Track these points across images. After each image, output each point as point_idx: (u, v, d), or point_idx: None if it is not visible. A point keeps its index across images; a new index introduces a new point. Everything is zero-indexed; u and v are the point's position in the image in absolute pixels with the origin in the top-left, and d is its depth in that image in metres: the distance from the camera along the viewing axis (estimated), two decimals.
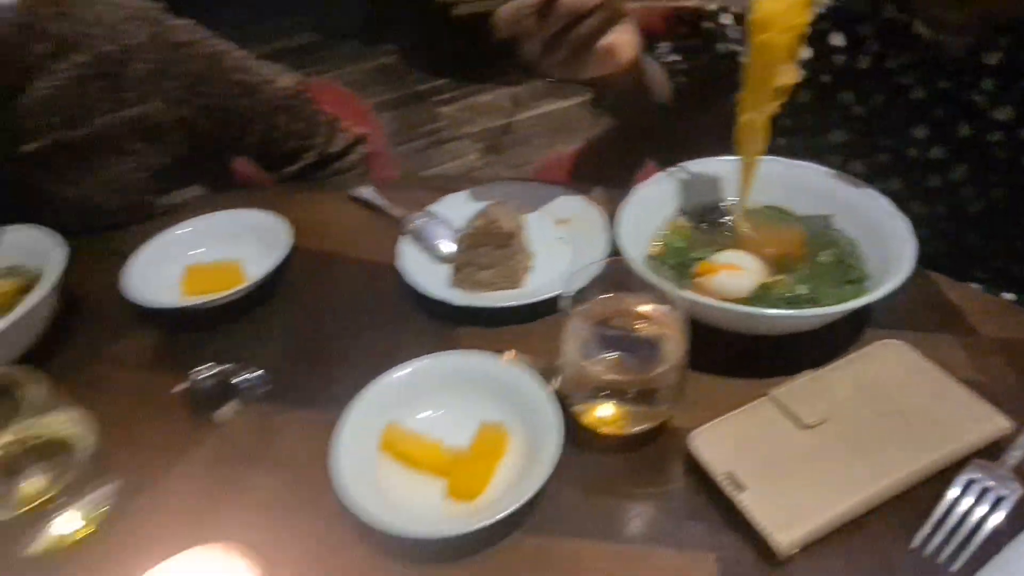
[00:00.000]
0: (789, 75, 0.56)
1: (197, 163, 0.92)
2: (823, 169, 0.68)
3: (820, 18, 0.72)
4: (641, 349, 0.52)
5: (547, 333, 0.64)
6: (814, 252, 0.64)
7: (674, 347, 0.51)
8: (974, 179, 0.69)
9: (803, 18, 0.55)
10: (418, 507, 0.51)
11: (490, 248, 0.66)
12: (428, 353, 0.60)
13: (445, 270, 0.72)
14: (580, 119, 2.95)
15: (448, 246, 0.74)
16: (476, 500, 0.51)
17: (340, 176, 1.00)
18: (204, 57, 0.85)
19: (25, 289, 0.73)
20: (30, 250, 0.74)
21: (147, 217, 0.86)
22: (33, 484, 0.52)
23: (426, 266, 0.73)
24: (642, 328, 0.53)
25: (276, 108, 0.92)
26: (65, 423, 0.52)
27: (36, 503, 0.51)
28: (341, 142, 1.00)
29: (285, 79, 0.94)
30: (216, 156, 0.96)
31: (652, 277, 0.54)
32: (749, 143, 0.62)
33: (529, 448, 0.53)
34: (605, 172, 0.85)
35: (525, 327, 0.66)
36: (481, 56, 3.44)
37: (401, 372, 0.57)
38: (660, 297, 0.53)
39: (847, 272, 0.61)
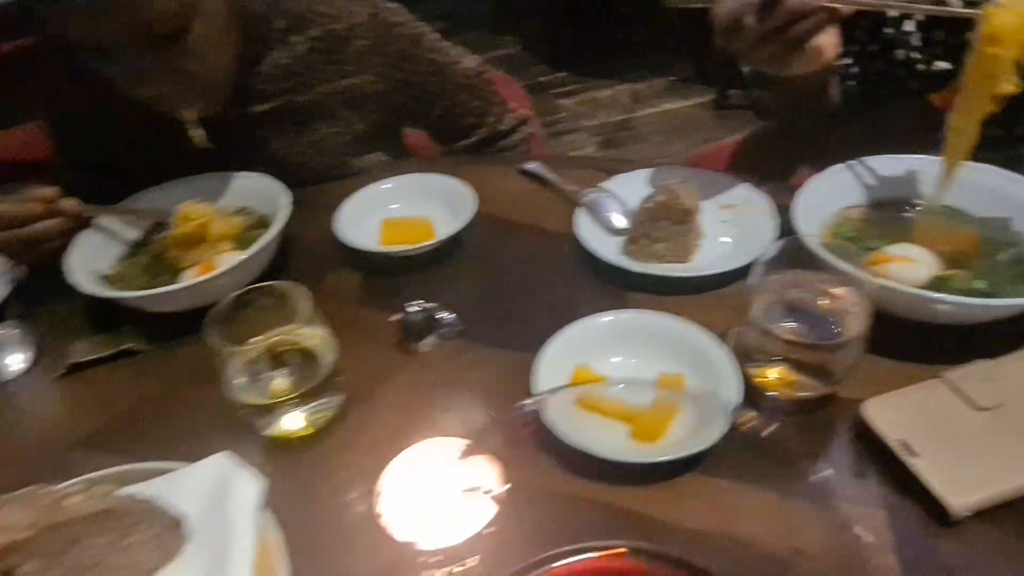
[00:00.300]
0: (1009, 85, 0.59)
1: (384, 132, 1.03)
2: (1003, 172, 0.70)
3: None
4: (821, 322, 0.57)
5: (712, 303, 0.70)
6: (992, 252, 0.66)
7: (854, 323, 0.55)
8: None
9: None
10: (606, 440, 0.58)
11: (668, 223, 0.72)
12: (603, 311, 0.67)
13: (616, 241, 0.79)
14: (699, 119, 2.95)
15: (620, 220, 0.81)
16: (656, 442, 0.57)
17: (504, 152, 1.09)
18: (408, 37, 0.95)
19: (253, 227, 0.85)
20: (258, 194, 0.86)
21: (342, 177, 0.97)
22: (281, 382, 0.63)
23: (599, 236, 0.79)
24: (824, 303, 0.58)
25: (460, 87, 1.02)
26: (317, 338, 0.62)
27: (280, 399, 0.61)
28: (509, 122, 1.09)
29: (468, 60, 1.03)
30: (399, 127, 1.07)
31: (836, 258, 0.58)
32: (957, 146, 0.64)
33: (705, 400, 0.59)
34: (763, 168, 0.88)
35: (690, 298, 0.72)
36: (603, 51, 3.50)
37: (594, 321, 0.65)
38: (839, 278, 0.58)
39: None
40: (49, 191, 0.77)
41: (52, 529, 0.44)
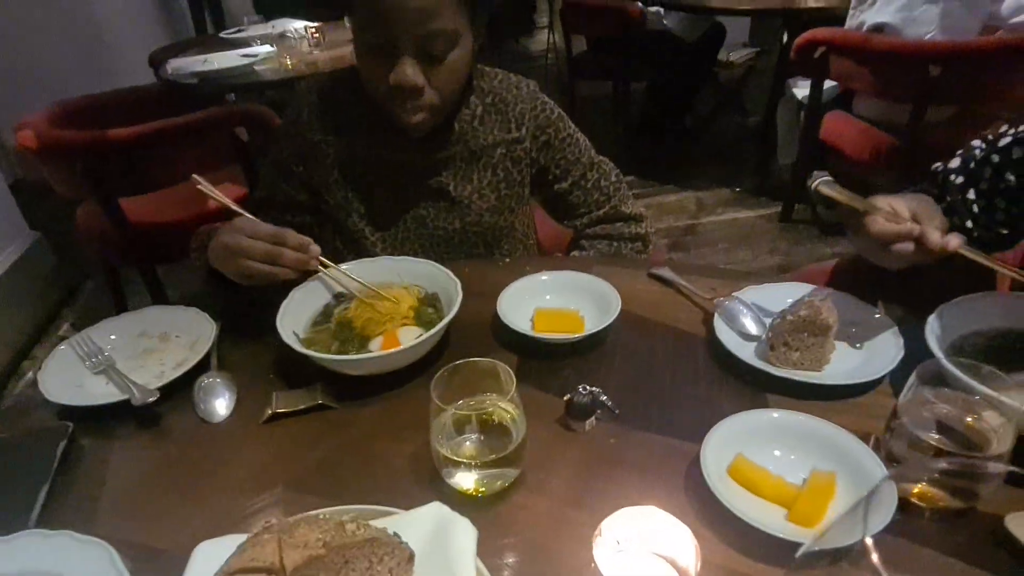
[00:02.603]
0: None
1: (524, 196, 1.23)
2: None
3: None
4: (966, 439, 0.65)
5: (842, 409, 0.78)
6: None
7: (999, 444, 0.63)
8: None
9: None
10: (761, 519, 0.65)
11: (808, 335, 0.82)
12: (743, 410, 0.76)
13: (749, 346, 0.89)
14: (763, 229, 3.07)
15: (752, 327, 0.90)
16: (814, 527, 0.64)
17: (637, 245, 1.23)
18: (554, 112, 1.19)
19: (423, 302, 0.97)
20: (430, 277, 0.99)
21: (493, 244, 1.21)
22: (471, 447, 0.72)
23: (735, 340, 0.89)
24: (969, 422, 0.66)
25: (592, 163, 1.23)
26: (512, 413, 0.71)
27: (467, 459, 0.70)
28: (634, 207, 1.25)
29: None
30: (534, 190, 1.26)
31: (977, 383, 0.66)
32: None
33: (855, 489, 0.66)
34: (859, 289, 0.97)
35: (823, 403, 0.80)
36: (671, 160, 3.71)
37: (753, 416, 0.73)
38: (981, 400, 0.66)
39: None
40: (302, 236, 0.93)
41: (335, 550, 0.53)
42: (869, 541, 0.33)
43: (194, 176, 0.96)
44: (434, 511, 0.64)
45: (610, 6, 3.32)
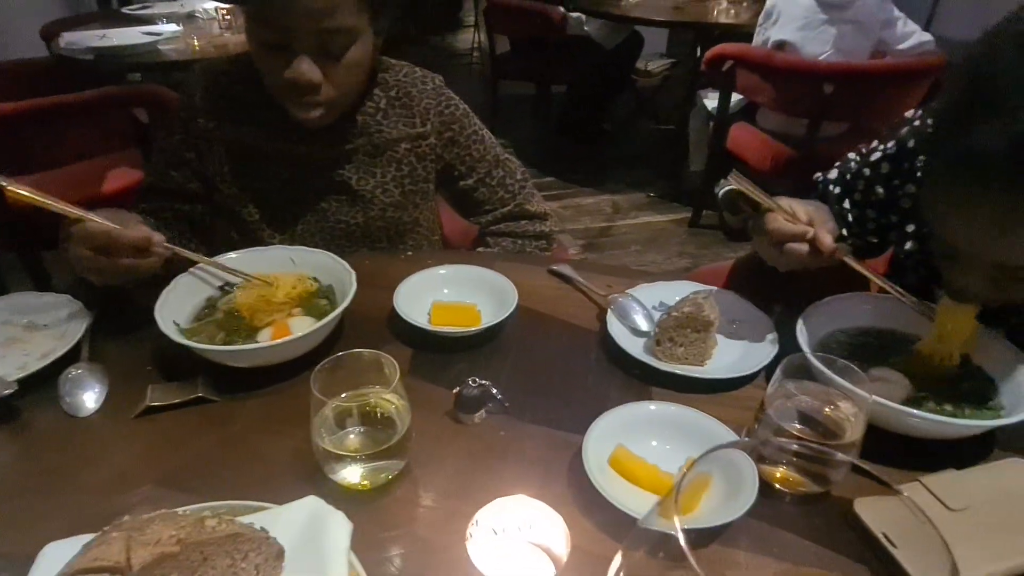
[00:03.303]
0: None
1: (428, 193, 1.21)
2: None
3: None
4: (824, 428, 0.69)
5: (722, 402, 0.82)
6: (957, 383, 0.80)
7: (852, 432, 0.67)
8: None
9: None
10: (638, 508, 0.67)
11: (691, 331, 0.85)
12: (630, 401, 0.78)
13: (639, 342, 0.91)
14: (673, 233, 3.18)
15: (643, 323, 0.93)
16: (687, 516, 0.67)
17: (541, 242, 1.25)
18: (460, 108, 1.18)
19: (316, 295, 0.95)
20: (325, 268, 0.97)
21: (396, 236, 1.19)
22: (355, 440, 0.70)
23: (625, 336, 0.91)
24: (827, 412, 0.70)
25: (498, 161, 1.23)
26: (396, 404, 0.71)
27: (352, 452, 0.69)
28: (540, 205, 1.26)
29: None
30: (438, 187, 1.24)
31: (834, 375, 0.71)
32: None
33: (728, 485, 0.69)
34: (753, 289, 1.02)
35: (705, 396, 0.83)
36: (589, 163, 3.78)
37: (634, 408, 0.75)
38: (839, 392, 0.70)
39: (984, 401, 0.77)
40: (146, 230, 0.86)
41: (193, 547, 0.51)
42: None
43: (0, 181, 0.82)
44: (307, 505, 0.62)
45: (533, 8, 3.36)
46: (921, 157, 0.92)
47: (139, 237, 0.84)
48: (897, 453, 0.74)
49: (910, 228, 0.97)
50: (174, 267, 0.92)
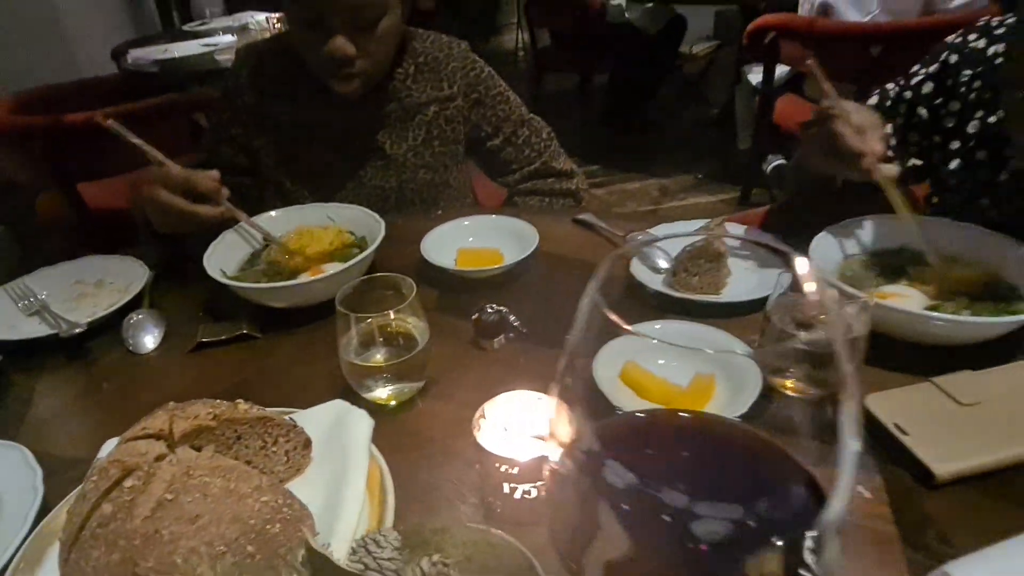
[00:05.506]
0: None
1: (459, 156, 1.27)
2: (986, 231, 0.84)
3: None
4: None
5: (740, 327, 0.83)
6: (976, 290, 0.79)
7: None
8: None
9: None
10: None
11: (704, 261, 0.87)
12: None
13: (658, 278, 0.94)
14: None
15: (662, 262, 0.96)
16: None
17: (568, 199, 1.28)
18: (485, 71, 1.24)
19: (353, 246, 1.01)
20: (358, 222, 1.03)
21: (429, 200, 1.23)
22: (378, 358, 0.76)
23: (644, 272, 0.94)
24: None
25: (523, 120, 1.27)
26: (417, 325, 0.76)
27: (378, 365, 0.74)
28: (566, 164, 1.30)
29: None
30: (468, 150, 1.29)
31: (844, 285, 0.72)
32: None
33: (732, 393, 0.71)
34: (784, 230, 1.03)
35: (722, 321, 0.85)
36: (633, 150, 3.78)
37: (641, 328, 0.78)
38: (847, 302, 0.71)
39: (1003, 305, 0.76)
40: (216, 176, 0.97)
41: (227, 423, 0.57)
42: None
43: (99, 115, 0.98)
44: (333, 406, 0.68)
45: None
46: (966, 72, 0.95)
47: (213, 184, 0.95)
48: (913, 361, 0.74)
49: (954, 146, 0.97)
50: (224, 226, 1.01)
